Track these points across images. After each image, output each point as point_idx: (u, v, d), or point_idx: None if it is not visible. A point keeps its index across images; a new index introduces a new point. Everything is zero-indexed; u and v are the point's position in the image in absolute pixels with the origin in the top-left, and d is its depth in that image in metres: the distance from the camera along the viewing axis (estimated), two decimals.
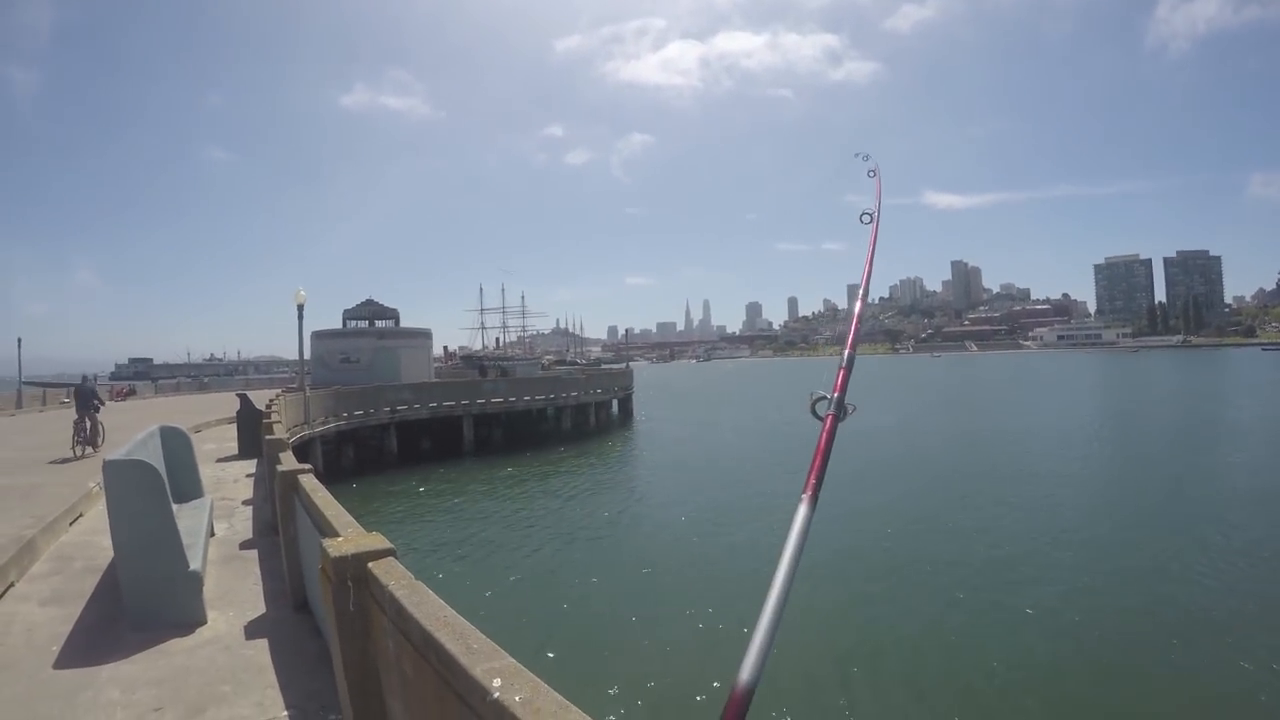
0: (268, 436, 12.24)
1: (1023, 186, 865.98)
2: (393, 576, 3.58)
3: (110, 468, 7.13)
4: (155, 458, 8.75)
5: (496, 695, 2.28)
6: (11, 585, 8.75)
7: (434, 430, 38.96)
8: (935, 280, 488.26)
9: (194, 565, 7.31)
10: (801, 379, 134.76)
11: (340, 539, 4.33)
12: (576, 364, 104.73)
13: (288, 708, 5.51)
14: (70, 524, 12.11)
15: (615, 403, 54.95)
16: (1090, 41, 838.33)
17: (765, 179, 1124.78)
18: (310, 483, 7.05)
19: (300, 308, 29.02)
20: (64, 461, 18.55)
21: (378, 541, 4.09)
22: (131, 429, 17.44)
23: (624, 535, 21.26)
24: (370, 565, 3.81)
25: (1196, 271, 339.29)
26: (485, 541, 20.31)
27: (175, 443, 10.74)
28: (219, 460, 19.37)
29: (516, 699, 2.24)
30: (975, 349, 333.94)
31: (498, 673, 2.42)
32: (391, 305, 62.04)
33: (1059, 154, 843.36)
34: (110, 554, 9.79)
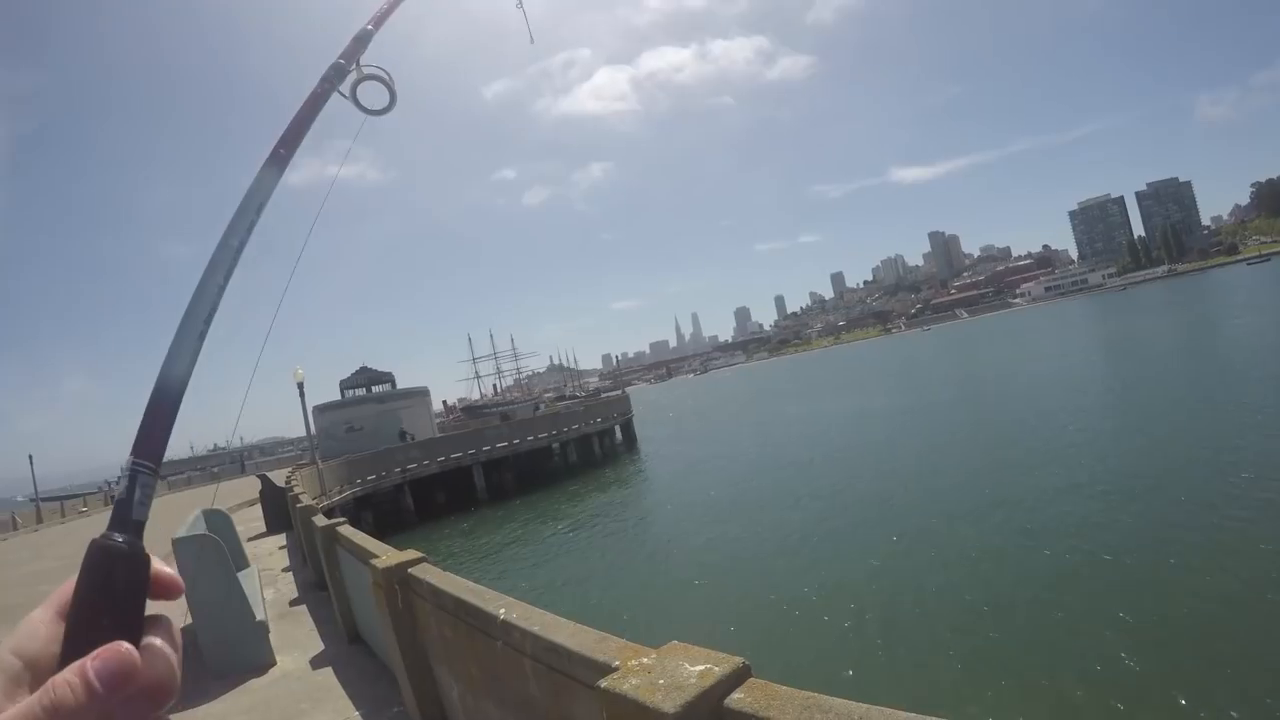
0: (298, 506, 13.48)
1: (985, 148, 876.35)
2: (428, 573, 4.93)
3: (180, 544, 8.43)
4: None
5: (502, 616, 3.60)
6: None
7: (446, 483, 39.67)
8: (916, 254, 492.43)
9: (260, 616, 8.61)
10: (796, 375, 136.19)
11: (383, 557, 5.65)
12: (576, 397, 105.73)
13: (358, 708, 6.80)
14: None
15: (618, 429, 55.95)
16: None
17: (730, 184, 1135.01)
18: (348, 530, 8.39)
19: (300, 385, 30.30)
20: None
21: (413, 553, 5.44)
22: (168, 522, 18.59)
23: (641, 554, 22.31)
24: (410, 570, 5.15)
25: (1170, 200, 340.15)
26: (513, 583, 21.26)
27: (218, 521, 11.99)
28: (249, 539, 20.58)
29: (514, 616, 3.55)
30: (966, 315, 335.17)
31: (502, 605, 3.74)
32: (385, 369, 63.31)
33: (1012, 110, 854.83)
34: (176, 627, 11.10)
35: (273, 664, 8.58)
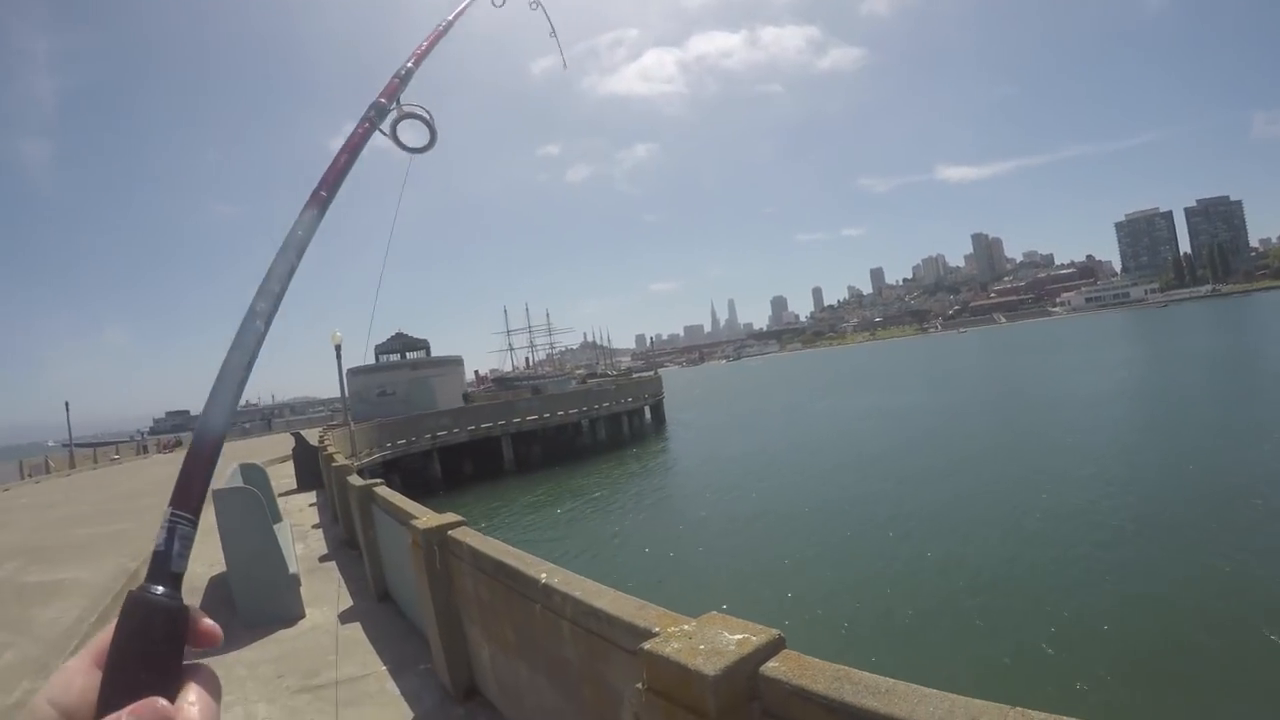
0: (332, 465, 13.74)
1: (1034, 151, 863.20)
2: (467, 536, 5.11)
3: (219, 496, 8.68)
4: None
5: (544, 579, 3.75)
6: None
7: (474, 452, 40.11)
8: (957, 255, 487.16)
9: (292, 569, 8.87)
10: (827, 370, 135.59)
11: (424, 518, 5.83)
12: (608, 375, 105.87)
13: (385, 664, 7.01)
14: None
15: (647, 409, 56.16)
16: None
17: (775, 172, 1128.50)
18: (384, 490, 8.61)
19: (338, 347, 30.69)
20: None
21: (452, 516, 5.64)
22: None
23: (671, 528, 22.68)
24: (449, 532, 5.33)
25: (1219, 218, 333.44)
26: (539, 553, 21.60)
27: (254, 475, 12.30)
28: (280, 495, 20.95)
29: (556, 581, 3.70)
30: (1004, 320, 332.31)
31: (544, 570, 3.90)
32: (420, 336, 63.89)
33: (1064, 115, 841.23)
34: (207, 575, 11.44)
35: (302, 616, 8.82)
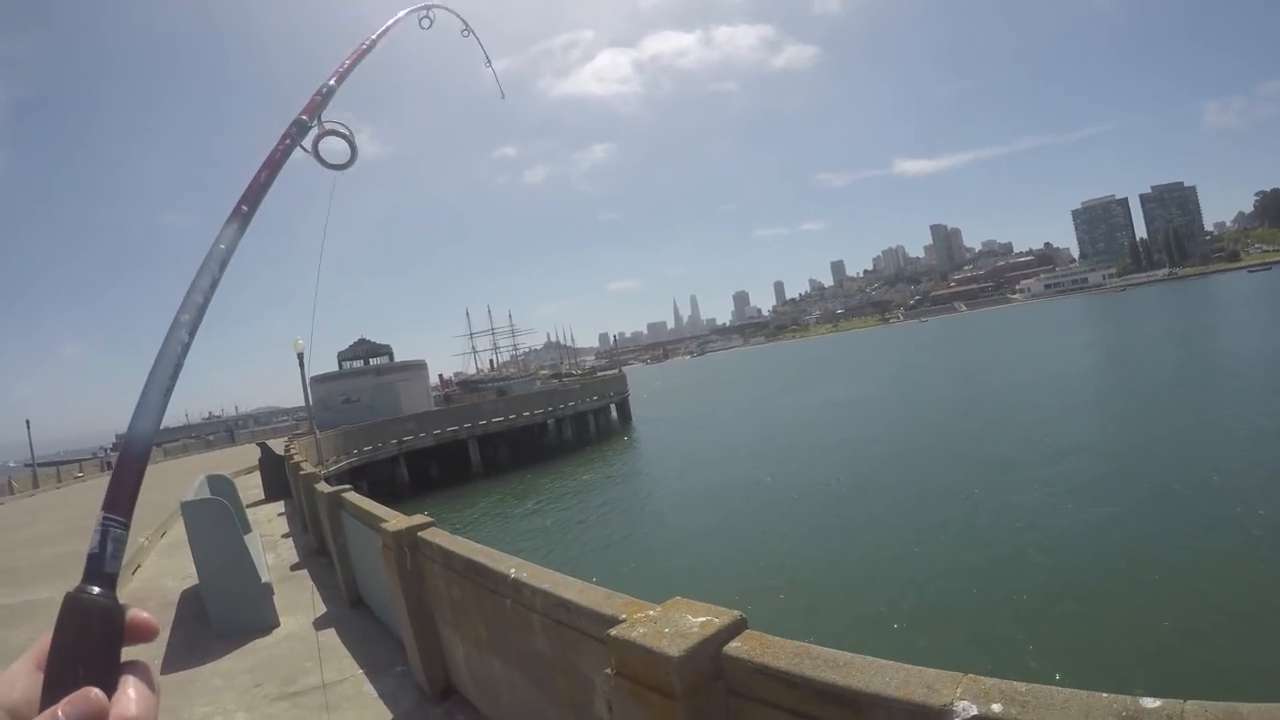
0: (300, 473, 13.72)
1: (990, 143, 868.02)
2: (437, 536, 5.19)
3: (188, 508, 8.67)
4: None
5: (513, 574, 3.84)
6: None
7: (441, 456, 40.07)
8: (917, 246, 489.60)
9: (265, 579, 8.88)
10: (791, 361, 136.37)
11: (393, 521, 5.89)
12: (572, 375, 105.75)
13: (361, 667, 7.06)
14: (133, 573, 13.52)
15: (613, 407, 56.32)
16: None
17: (733, 169, 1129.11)
18: (353, 496, 8.65)
19: (300, 355, 30.47)
20: None
21: (421, 518, 5.71)
22: (167, 489, 18.95)
23: (636, 522, 23.25)
24: (420, 534, 5.40)
25: (1174, 204, 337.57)
26: (510, 551, 21.78)
27: (222, 486, 12.23)
28: (249, 506, 20.81)
29: (524, 575, 3.80)
30: (965, 309, 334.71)
31: (512, 565, 3.99)
32: (383, 341, 63.42)
33: (1019, 107, 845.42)
34: (179, 589, 11.40)
35: (277, 625, 8.82)
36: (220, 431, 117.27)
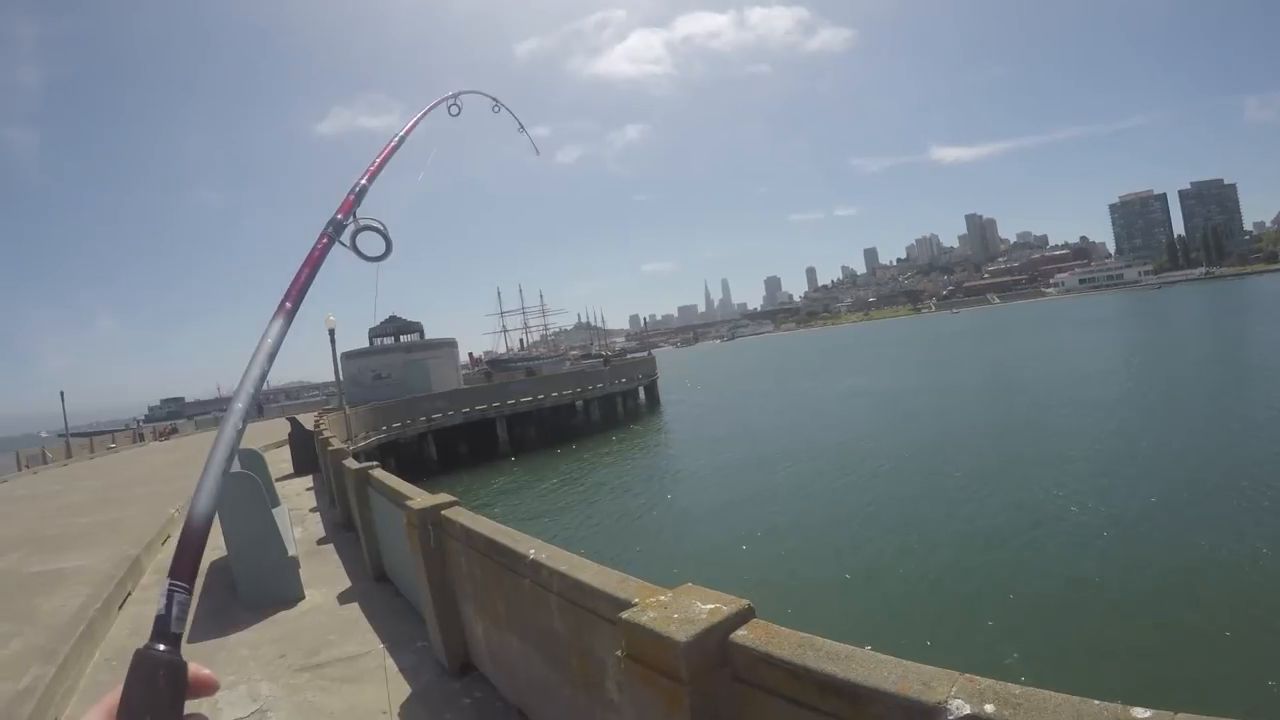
0: (329, 449, 13.91)
1: (1028, 133, 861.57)
2: (460, 515, 5.29)
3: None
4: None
5: (532, 555, 3.93)
6: (129, 594, 10.40)
7: (469, 434, 40.52)
8: (951, 236, 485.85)
9: (291, 552, 9.06)
10: (822, 348, 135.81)
11: (418, 499, 6.01)
12: (601, 356, 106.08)
13: (383, 642, 7.20)
14: (162, 544, 13.77)
15: (641, 390, 56.49)
16: None
17: (767, 152, 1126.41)
18: (380, 473, 8.80)
19: (331, 332, 30.83)
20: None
21: (446, 497, 5.82)
22: (199, 462, 19.17)
23: (657, 506, 23.79)
24: (443, 512, 5.51)
25: (1213, 201, 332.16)
26: (532, 530, 22.14)
27: (252, 460, 12.42)
28: (277, 480, 21.08)
29: (543, 556, 3.88)
30: (998, 301, 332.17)
31: (531, 546, 4.08)
32: (414, 319, 63.89)
33: (1058, 96, 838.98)
34: (205, 561, 11.59)
35: (302, 598, 9.00)
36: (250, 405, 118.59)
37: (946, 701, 1.90)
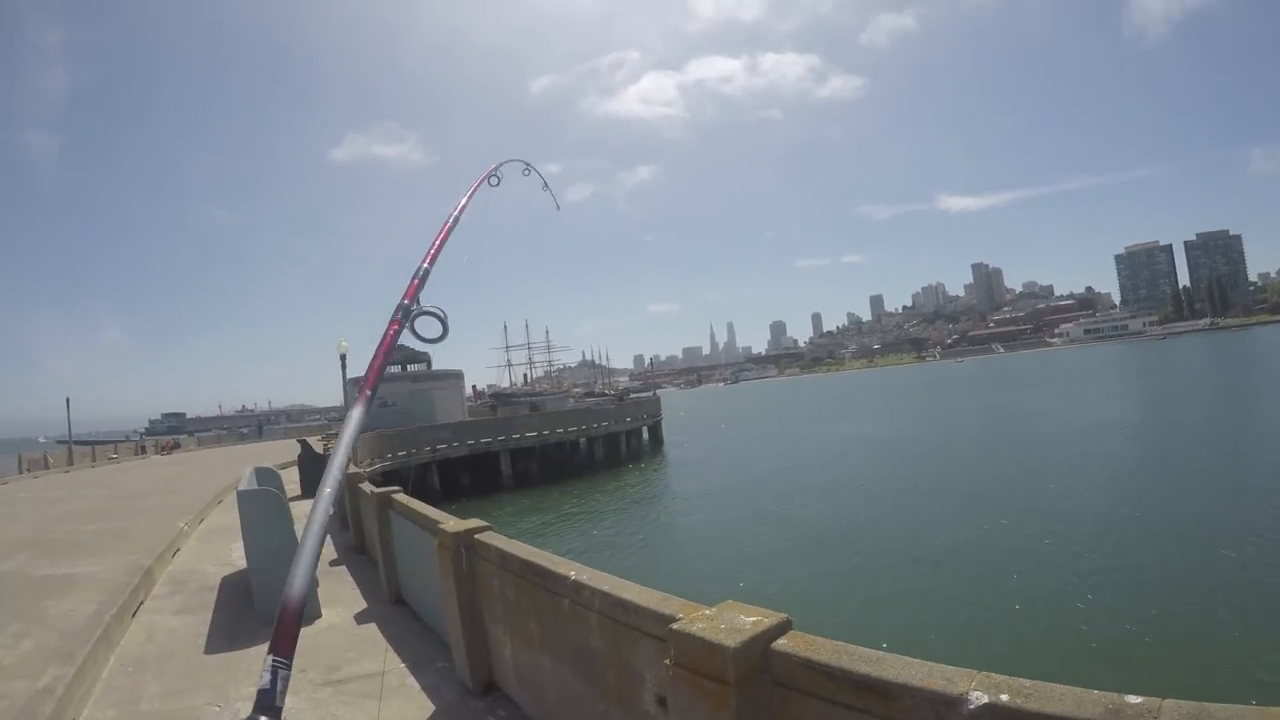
0: (346, 472, 14.14)
1: (1035, 183, 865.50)
2: (495, 539, 5.58)
3: (242, 497, 9.14)
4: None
5: (573, 576, 4.20)
6: (142, 603, 10.59)
7: (473, 465, 40.63)
8: (957, 284, 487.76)
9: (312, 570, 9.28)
10: (823, 394, 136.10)
11: (450, 523, 6.28)
12: (605, 394, 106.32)
13: (403, 661, 7.42)
14: (172, 556, 13.97)
15: (645, 430, 56.71)
16: (1070, 32, 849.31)
17: (775, 197, 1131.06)
18: (402, 498, 9.05)
19: (343, 357, 31.21)
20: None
21: (478, 522, 6.08)
22: (204, 479, 19.38)
23: (670, 538, 25.01)
24: (477, 536, 5.79)
25: (1218, 252, 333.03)
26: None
27: (269, 479, 12.71)
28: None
29: (585, 578, 4.16)
30: (1002, 350, 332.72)
31: (572, 568, 4.36)
32: (421, 349, 64.22)
33: (1064, 147, 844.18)
34: (218, 575, 11.84)
35: (319, 616, 9.20)
36: (251, 426, 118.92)
37: (967, 694, 2.18)
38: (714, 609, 3.04)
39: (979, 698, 2.17)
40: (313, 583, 7.72)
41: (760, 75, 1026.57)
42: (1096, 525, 19.50)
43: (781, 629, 2.78)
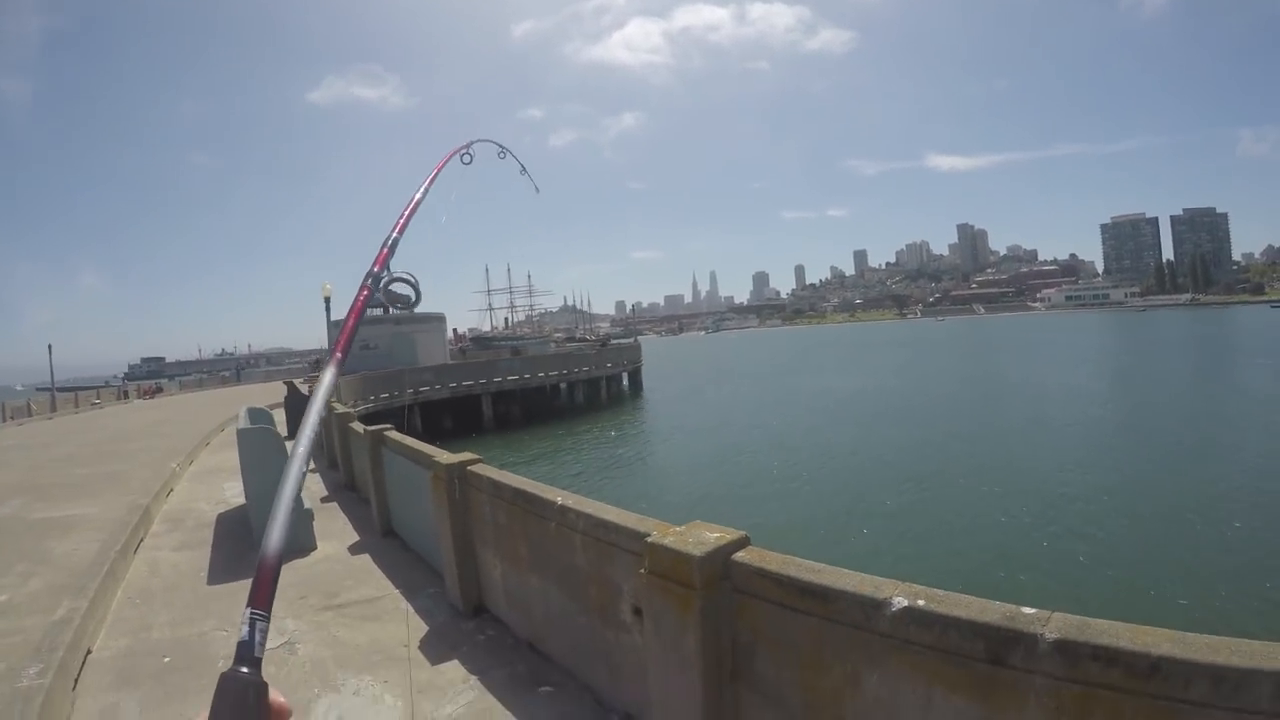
0: (334, 412, 14.58)
1: (1025, 147, 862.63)
2: (487, 470, 6.05)
3: (242, 435, 9.59)
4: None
5: (560, 501, 4.70)
6: (142, 540, 10.99)
7: (454, 408, 41.21)
8: (942, 244, 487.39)
9: (306, 504, 9.76)
10: (801, 345, 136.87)
11: (444, 456, 6.75)
12: (586, 340, 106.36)
13: (397, 587, 7.92)
14: (167, 496, 14.33)
15: (625, 376, 57.28)
16: None
17: (763, 148, 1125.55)
18: (394, 435, 9.53)
19: (328, 299, 31.43)
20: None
21: (470, 455, 6.56)
22: (191, 422, 19.60)
23: (648, 469, 27.14)
24: (469, 468, 6.27)
25: (1204, 229, 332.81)
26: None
27: (262, 418, 13.14)
28: None
29: (570, 502, 4.65)
30: (983, 311, 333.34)
31: (558, 494, 4.87)
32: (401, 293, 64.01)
33: (1056, 113, 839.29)
34: (213, 513, 12.25)
35: (314, 548, 9.68)
36: (232, 369, 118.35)
37: (891, 599, 2.67)
38: (683, 527, 3.54)
39: (900, 602, 2.66)
40: (307, 515, 8.21)
41: (748, 24, 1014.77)
42: (1033, 476, 21.45)
43: (740, 544, 3.29)
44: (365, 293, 1.73)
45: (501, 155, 3.41)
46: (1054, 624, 2.36)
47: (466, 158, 2.88)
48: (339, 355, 1.54)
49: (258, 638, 1.01)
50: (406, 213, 2.17)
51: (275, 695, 0.98)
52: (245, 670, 0.97)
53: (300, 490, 1.21)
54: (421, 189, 2.37)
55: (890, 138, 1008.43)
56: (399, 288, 1.80)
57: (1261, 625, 10.77)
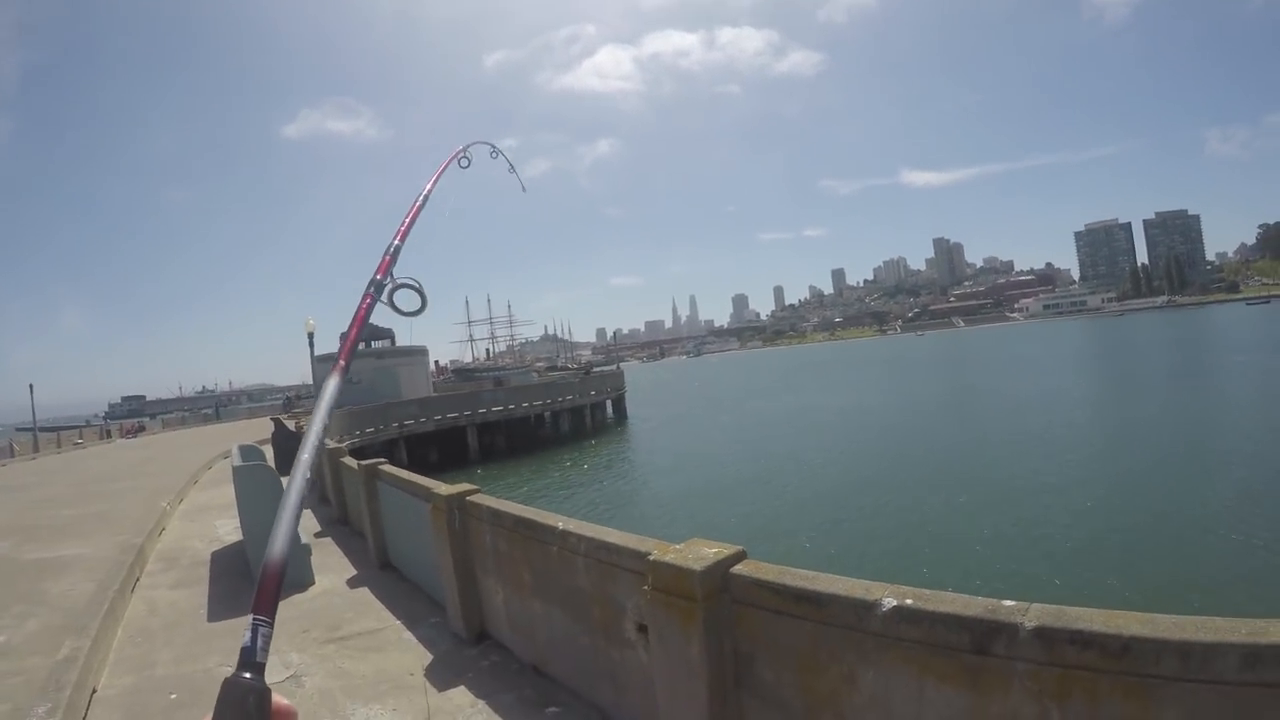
0: (326, 448, 14.62)
1: (999, 159, 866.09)
2: (485, 500, 6.23)
3: (238, 472, 9.71)
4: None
5: (561, 526, 4.88)
6: (138, 580, 11.04)
7: (440, 441, 41.08)
8: (919, 259, 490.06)
9: (303, 539, 9.88)
10: (783, 366, 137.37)
11: (442, 487, 6.92)
12: (568, 368, 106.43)
13: (398, 619, 8.04)
14: (159, 535, 14.37)
15: (609, 403, 57.39)
16: (1031, 11, 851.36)
17: (736, 171, 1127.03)
18: (389, 468, 9.67)
19: (310, 335, 31.43)
20: None
21: (467, 485, 6.72)
22: (177, 462, 19.59)
23: (643, 494, 27.39)
24: (468, 498, 6.44)
25: (1176, 231, 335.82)
26: None
27: (254, 455, 13.21)
28: None
29: (571, 526, 4.84)
30: (963, 324, 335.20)
31: (559, 520, 5.04)
32: (385, 325, 64.12)
33: (1027, 124, 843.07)
34: (206, 551, 12.31)
35: (313, 582, 9.77)
36: (213, 406, 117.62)
37: (881, 600, 2.87)
38: (683, 545, 3.74)
39: (889, 602, 2.86)
40: (304, 550, 8.36)
41: (717, 49, 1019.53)
42: (1012, 480, 22.17)
43: (738, 557, 3.49)
44: (368, 300, 1.73)
45: (493, 155, 3.47)
46: (1032, 614, 2.55)
47: (465, 162, 2.91)
48: (342, 363, 1.55)
49: (260, 643, 1.01)
50: (408, 219, 2.17)
51: (279, 700, 0.98)
52: (248, 676, 0.97)
53: (304, 496, 1.22)
54: (423, 195, 2.39)
55: (864, 156, 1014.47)
56: (402, 298, 1.79)
57: (1229, 603, 11.20)
